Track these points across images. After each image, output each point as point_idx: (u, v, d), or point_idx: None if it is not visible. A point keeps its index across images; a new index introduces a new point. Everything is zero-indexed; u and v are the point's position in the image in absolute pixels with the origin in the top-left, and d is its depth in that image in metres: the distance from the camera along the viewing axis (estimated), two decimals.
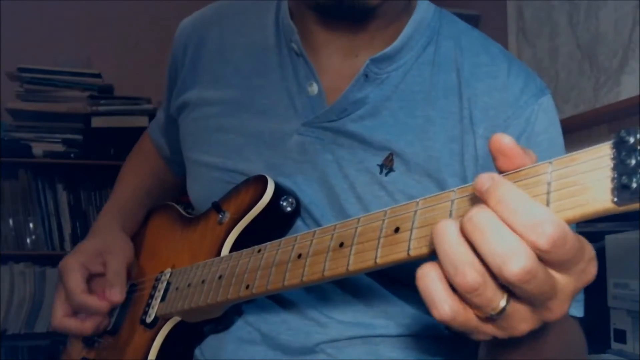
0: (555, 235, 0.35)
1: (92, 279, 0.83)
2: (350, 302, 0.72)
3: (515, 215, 0.36)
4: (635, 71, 1.61)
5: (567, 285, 0.38)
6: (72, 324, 0.82)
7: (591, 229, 1.47)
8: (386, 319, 0.71)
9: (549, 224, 0.35)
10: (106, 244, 0.85)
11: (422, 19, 0.73)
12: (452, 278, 0.38)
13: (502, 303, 0.38)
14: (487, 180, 0.38)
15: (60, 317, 0.82)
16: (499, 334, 0.41)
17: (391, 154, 0.69)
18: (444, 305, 0.39)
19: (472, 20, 2.36)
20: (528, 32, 2.08)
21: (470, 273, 0.37)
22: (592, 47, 1.77)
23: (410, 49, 0.72)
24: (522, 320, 0.40)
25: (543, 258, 0.36)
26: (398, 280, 0.70)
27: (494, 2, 2.27)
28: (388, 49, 0.70)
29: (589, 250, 0.38)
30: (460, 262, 0.37)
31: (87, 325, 0.82)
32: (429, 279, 0.39)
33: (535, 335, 0.43)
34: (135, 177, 1.00)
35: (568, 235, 0.36)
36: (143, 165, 1.02)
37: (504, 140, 0.40)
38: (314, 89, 0.72)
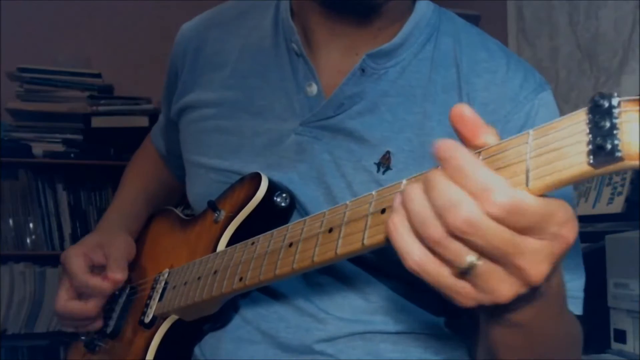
0: (507, 204, 0.37)
1: (93, 269, 0.84)
2: (349, 297, 0.72)
3: (467, 180, 0.38)
4: (635, 71, 1.61)
5: (541, 248, 0.39)
6: (75, 306, 0.83)
7: (591, 229, 1.47)
8: (385, 315, 0.71)
9: (499, 192, 0.37)
10: (108, 238, 0.87)
11: (422, 17, 0.73)
12: (419, 232, 0.40)
13: (470, 258, 0.39)
14: (446, 148, 0.40)
15: (64, 301, 0.83)
16: (482, 297, 0.41)
17: (388, 152, 0.69)
18: (414, 252, 0.41)
19: (472, 20, 2.35)
20: (528, 32, 2.08)
21: (433, 225, 0.39)
22: (592, 47, 1.77)
23: (409, 45, 0.72)
24: (500, 280, 0.40)
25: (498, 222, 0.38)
26: (396, 276, 0.70)
27: (494, 2, 2.27)
28: (386, 45, 0.70)
29: (562, 214, 0.38)
30: (424, 217, 0.40)
31: (89, 306, 0.82)
32: (399, 231, 0.42)
33: (524, 307, 0.45)
34: (139, 180, 1.00)
35: (524, 203, 0.37)
36: (146, 168, 1.03)
37: (465, 111, 0.42)
38: (313, 89, 0.72)
